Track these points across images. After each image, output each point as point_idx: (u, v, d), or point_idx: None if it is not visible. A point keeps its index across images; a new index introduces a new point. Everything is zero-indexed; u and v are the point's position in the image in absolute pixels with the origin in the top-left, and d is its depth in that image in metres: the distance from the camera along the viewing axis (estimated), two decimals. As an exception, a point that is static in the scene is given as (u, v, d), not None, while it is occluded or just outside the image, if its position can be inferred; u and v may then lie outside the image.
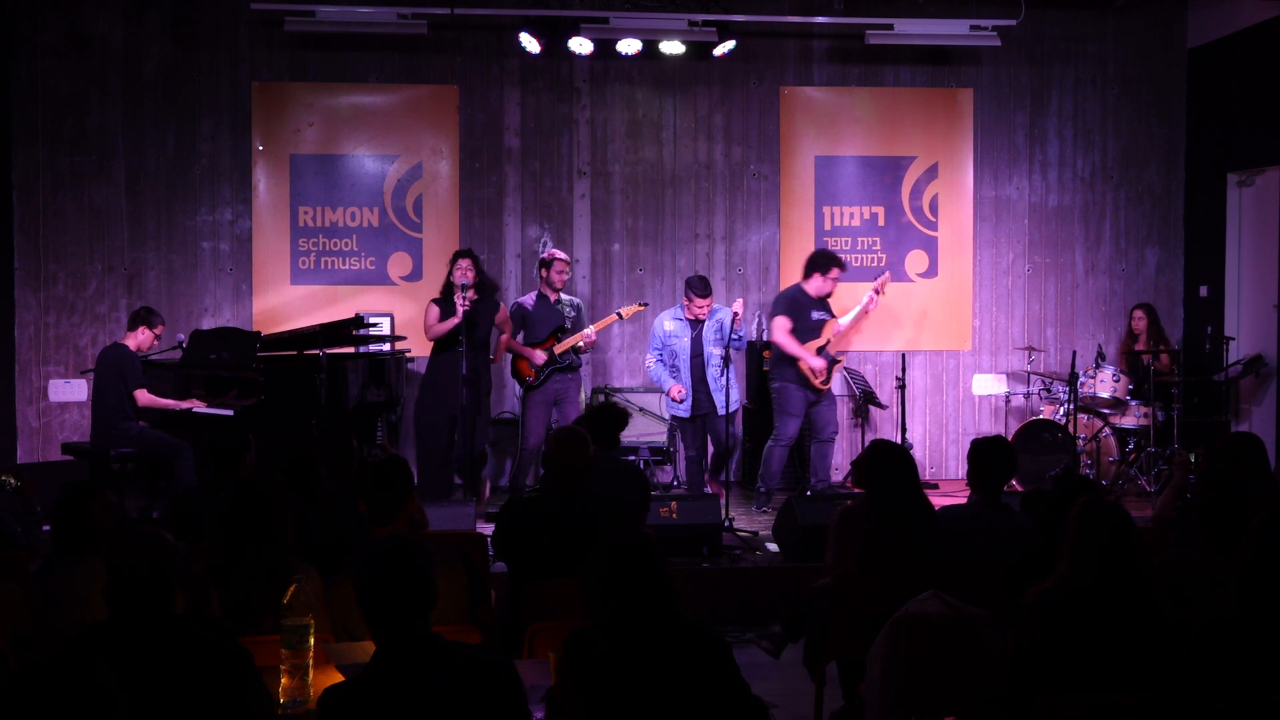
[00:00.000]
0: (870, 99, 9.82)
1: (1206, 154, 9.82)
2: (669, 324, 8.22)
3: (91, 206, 9.27)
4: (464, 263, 8.11)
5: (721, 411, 8.07)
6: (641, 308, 8.64)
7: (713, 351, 8.10)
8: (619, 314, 8.49)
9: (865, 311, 8.80)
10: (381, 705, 2.77)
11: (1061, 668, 3.40)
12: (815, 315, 8.46)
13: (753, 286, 9.70)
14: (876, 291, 8.74)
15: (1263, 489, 4.76)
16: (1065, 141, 9.98)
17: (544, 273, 8.35)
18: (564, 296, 8.39)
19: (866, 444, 5.78)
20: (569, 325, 8.29)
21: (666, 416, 9.00)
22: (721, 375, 8.05)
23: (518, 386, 8.53)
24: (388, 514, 4.16)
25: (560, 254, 8.40)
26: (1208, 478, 4.17)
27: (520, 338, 8.32)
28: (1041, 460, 8.57)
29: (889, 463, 4.95)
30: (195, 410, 7.83)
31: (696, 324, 8.16)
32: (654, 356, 8.26)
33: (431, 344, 8.24)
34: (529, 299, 8.39)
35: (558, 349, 8.19)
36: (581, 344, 8.23)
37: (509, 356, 8.40)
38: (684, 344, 8.15)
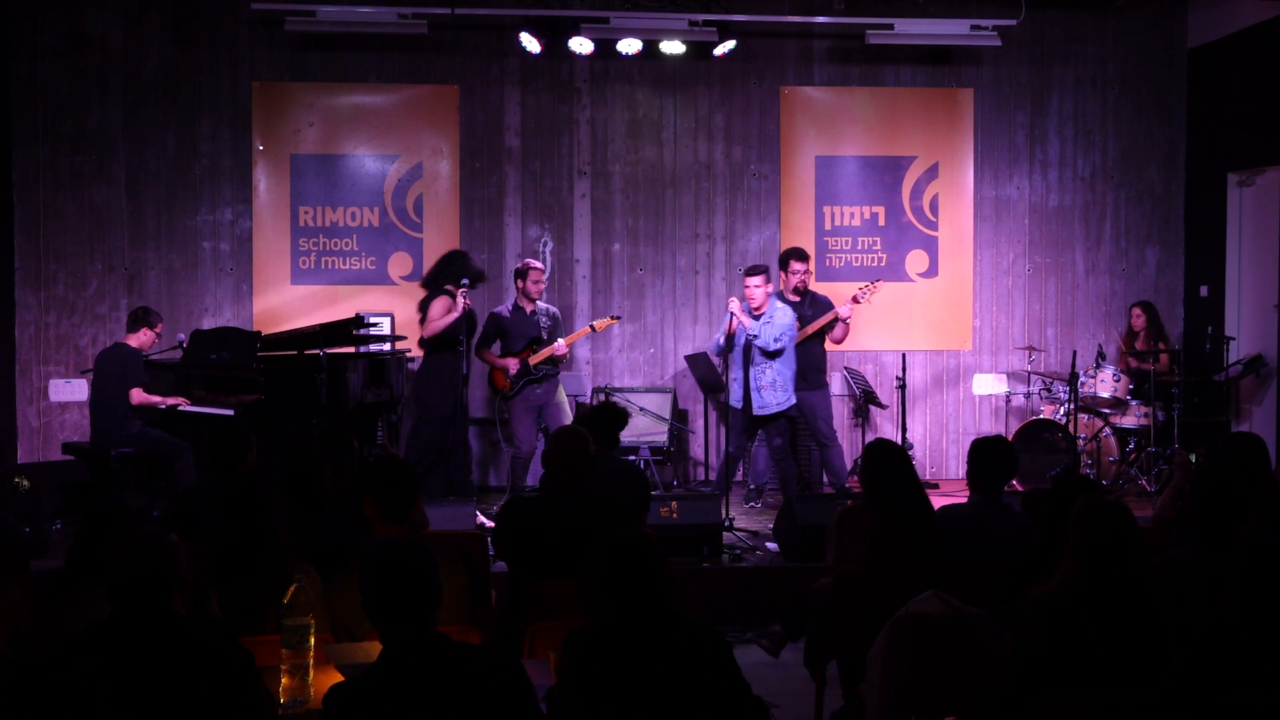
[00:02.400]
0: (870, 99, 9.82)
1: (1206, 154, 9.82)
2: (740, 308, 8.12)
3: (92, 206, 9.27)
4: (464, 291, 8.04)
5: (758, 411, 8.11)
6: (614, 320, 8.71)
7: (759, 353, 8.10)
8: (591, 327, 8.43)
9: (840, 320, 8.38)
10: (388, 705, 2.78)
11: (1062, 668, 3.40)
12: None
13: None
14: (855, 300, 8.45)
15: (1263, 489, 4.76)
16: (1065, 141, 9.98)
17: (519, 283, 8.23)
18: (540, 305, 8.30)
19: (867, 444, 5.77)
20: (544, 336, 8.25)
21: (668, 416, 9.01)
22: (761, 371, 8.04)
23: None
24: (394, 515, 4.17)
25: (536, 263, 8.31)
26: (1206, 478, 4.16)
27: (496, 347, 8.29)
28: (1042, 460, 8.57)
29: (886, 462, 4.95)
30: (185, 409, 7.83)
31: (756, 319, 8.09)
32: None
33: (427, 341, 8.12)
34: (504, 309, 8.31)
35: (532, 360, 8.17)
36: (556, 354, 8.20)
37: (486, 371, 8.41)
38: (747, 332, 8.12)
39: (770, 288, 8.17)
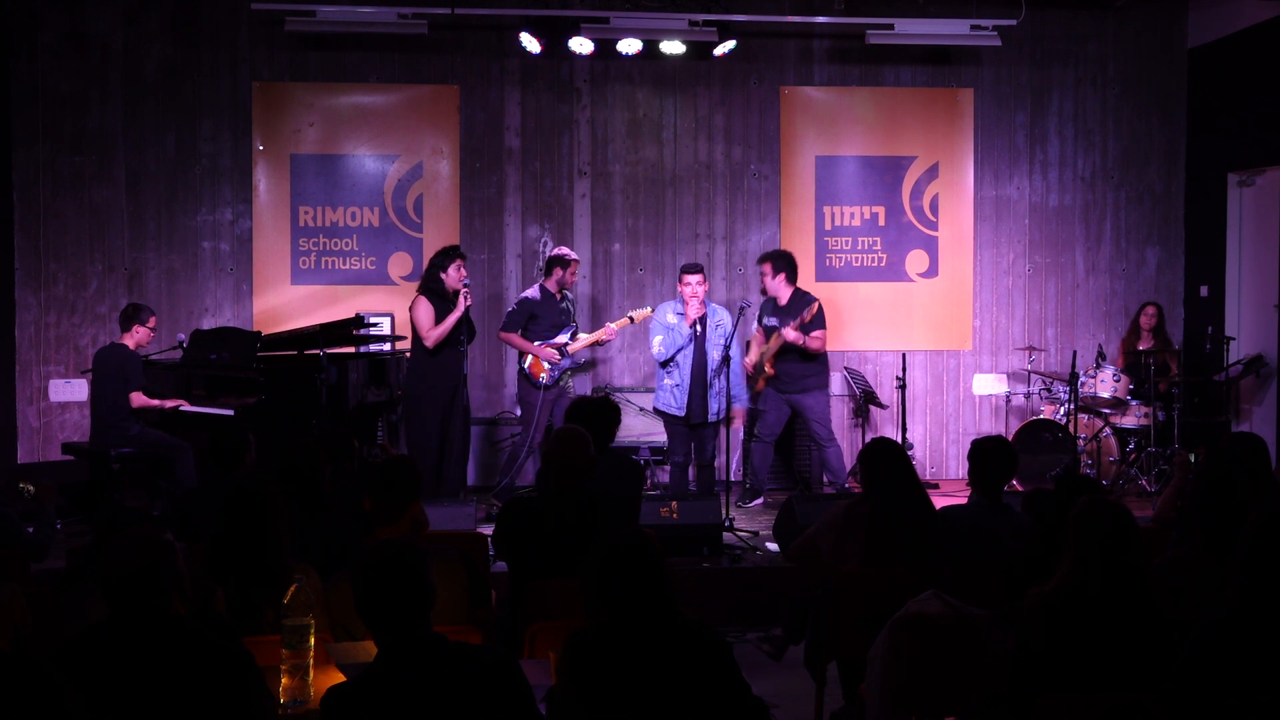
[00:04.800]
0: (870, 99, 9.82)
1: (1207, 154, 9.82)
2: (670, 317, 7.99)
3: (92, 206, 9.27)
4: (460, 263, 8.08)
5: (713, 418, 7.93)
6: (650, 312, 8.63)
7: (713, 356, 7.89)
8: (630, 318, 8.38)
9: (789, 339, 8.19)
10: (386, 705, 2.78)
11: (1062, 668, 3.40)
12: (767, 321, 8.46)
13: (753, 286, 9.69)
14: (795, 327, 8.16)
15: (1263, 489, 4.76)
16: (1065, 141, 9.98)
17: (558, 271, 8.21)
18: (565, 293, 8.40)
19: (865, 443, 5.75)
20: (576, 324, 8.32)
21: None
22: (719, 377, 7.85)
23: (516, 386, 8.48)
24: (392, 513, 4.17)
25: (573, 254, 8.33)
26: (1206, 478, 4.16)
27: (521, 333, 8.23)
28: (1042, 460, 8.57)
29: (883, 461, 4.95)
30: (185, 410, 7.83)
31: (697, 321, 7.91)
32: (660, 337, 8.00)
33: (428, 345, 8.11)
34: (533, 293, 8.26)
35: (572, 348, 8.15)
36: (604, 339, 8.31)
37: (514, 353, 8.40)
38: (683, 339, 8.00)
39: (706, 286, 8.05)
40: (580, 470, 4.70)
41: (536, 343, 8.12)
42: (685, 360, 7.96)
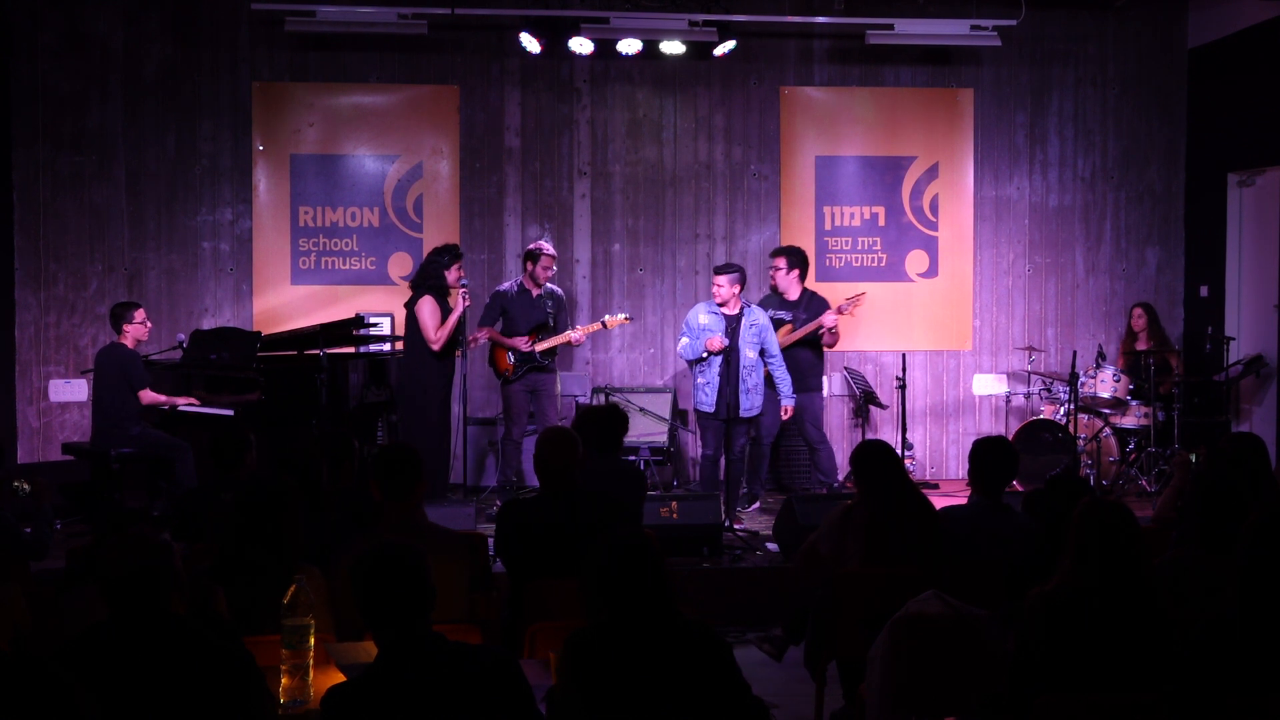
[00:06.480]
0: (870, 99, 9.82)
1: (1207, 154, 9.82)
2: (704, 317, 7.89)
3: (92, 206, 9.27)
4: (460, 262, 8.11)
5: (745, 414, 7.87)
6: (627, 320, 8.65)
7: (747, 354, 7.82)
8: (603, 323, 8.43)
9: (825, 329, 8.36)
10: (385, 705, 2.78)
11: (1062, 668, 3.40)
12: (773, 314, 8.42)
13: (753, 286, 9.68)
14: (839, 311, 8.35)
15: (1263, 489, 4.77)
16: (1065, 141, 9.98)
17: (529, 265, 8.28)
18: (546, 286, 8.38)
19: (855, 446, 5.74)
20: (551, 322, 8.28)
21: (668, 416, 9.00)
22: (751, 375, 7.82)
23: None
24: (402, 492, 4.22)
25: (548, 248, 8.34)
26: (1206, 479, 4.17)
27: (497, 326, 8.31)
28: (1042, 460, 8.56)
29: (874, 463, 4.95)
30: (188, 409, 7.82)
31: (733, 320, 7.86)
32: (685, 340, 7.99)
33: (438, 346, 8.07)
34: (510, 287, 8.35)
35: (539, 347, 8.18)
36: (573, 342, 8.30)
37: (487, 350, 8.43)
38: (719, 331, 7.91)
39: (737, 288, 7.97)
40: (570, 470, 4.70)
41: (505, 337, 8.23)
42: (716, 359, 7.88)
